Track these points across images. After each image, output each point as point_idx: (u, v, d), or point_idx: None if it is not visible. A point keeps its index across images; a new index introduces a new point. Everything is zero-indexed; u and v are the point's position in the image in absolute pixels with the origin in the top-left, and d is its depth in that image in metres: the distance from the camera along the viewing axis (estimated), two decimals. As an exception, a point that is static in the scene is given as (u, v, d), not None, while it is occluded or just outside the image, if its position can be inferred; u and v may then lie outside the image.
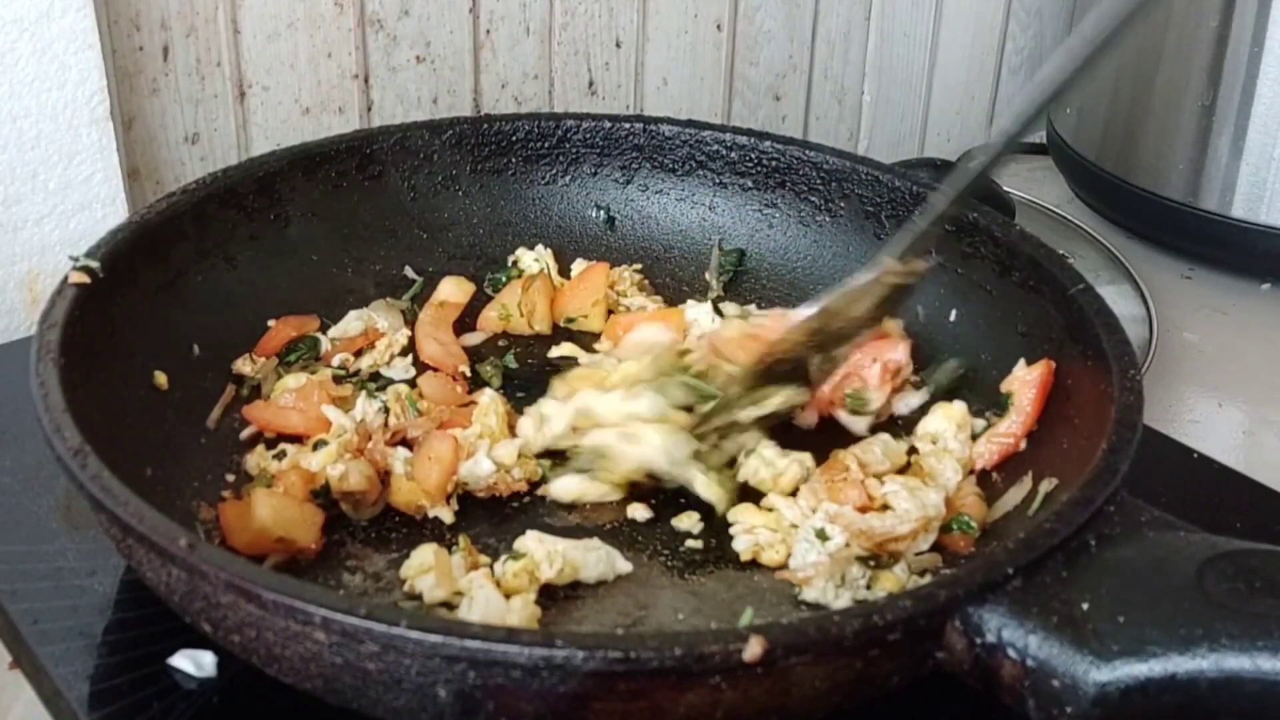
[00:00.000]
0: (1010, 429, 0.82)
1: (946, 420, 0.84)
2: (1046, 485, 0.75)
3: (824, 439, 0.85)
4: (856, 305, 0.82)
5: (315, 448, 0.81)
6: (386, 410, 0.84)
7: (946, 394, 0.87)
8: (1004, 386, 0.83)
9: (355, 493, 0.77)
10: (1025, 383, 0.82)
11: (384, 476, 0.79)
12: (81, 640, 0.69)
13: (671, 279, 1.01)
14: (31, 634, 0.69)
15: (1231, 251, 1.26)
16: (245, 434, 0.84)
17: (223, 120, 1.06)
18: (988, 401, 0.84)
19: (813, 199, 0.98)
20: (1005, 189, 1.26)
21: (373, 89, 1.13)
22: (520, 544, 0.75)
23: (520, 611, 0.71)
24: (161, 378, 0.81)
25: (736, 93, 1.36)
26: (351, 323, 0.93)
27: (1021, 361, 0.84)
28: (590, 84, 1.25)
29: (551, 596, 0.73)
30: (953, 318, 0.90)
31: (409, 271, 0.98)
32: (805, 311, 0.83)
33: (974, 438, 0.83)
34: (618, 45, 1.25)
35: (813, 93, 1.42)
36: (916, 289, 0.84)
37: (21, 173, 0.94)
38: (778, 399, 0.83)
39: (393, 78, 1.13)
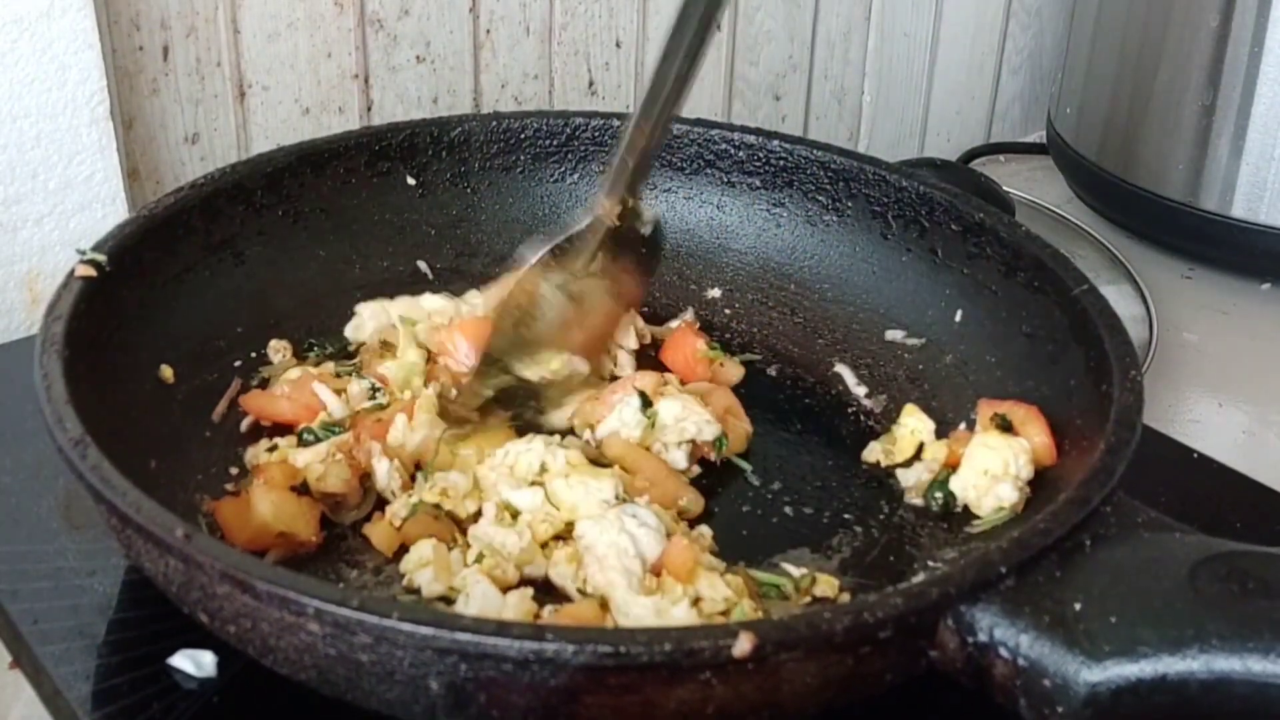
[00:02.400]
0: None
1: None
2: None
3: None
4: (581, 253, 0.86)
5: (301, 435, 0.81)
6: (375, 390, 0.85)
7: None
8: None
9: (335, 495, 0.77)
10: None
11: (365, 480, 0.79)
12: (82, 640, 0.69)
13: (679, 277, 1.01)
14: (31, 634, 0.69)
15: (1231, 251, 1.27)
16: (245, 425, 0.84)
17: (223, 120, 1.07)
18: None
19: (820, 199, 0.98)
20: (1005, 189, 1.27)
21: (373, 89, 1.13)
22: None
23: (517, 607, 0.71)
24: (167, 371, 0.82)
25: (736, 93, 1.36)
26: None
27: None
28: (590, 84, 1.25)
29: (549, 592, 0.74)
30: (958, 318, 0.90)
31: (421, 265, 0.99)
32: (530, 258, 0.86)
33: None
34: (618, 45, 1.25)
35: (813, 93, 1.43)
36: (650, 238, 0.88)
37: (21, 172, 0.94)
38: (555, 362, 0.85)
39: (393, 78, 1.14)
